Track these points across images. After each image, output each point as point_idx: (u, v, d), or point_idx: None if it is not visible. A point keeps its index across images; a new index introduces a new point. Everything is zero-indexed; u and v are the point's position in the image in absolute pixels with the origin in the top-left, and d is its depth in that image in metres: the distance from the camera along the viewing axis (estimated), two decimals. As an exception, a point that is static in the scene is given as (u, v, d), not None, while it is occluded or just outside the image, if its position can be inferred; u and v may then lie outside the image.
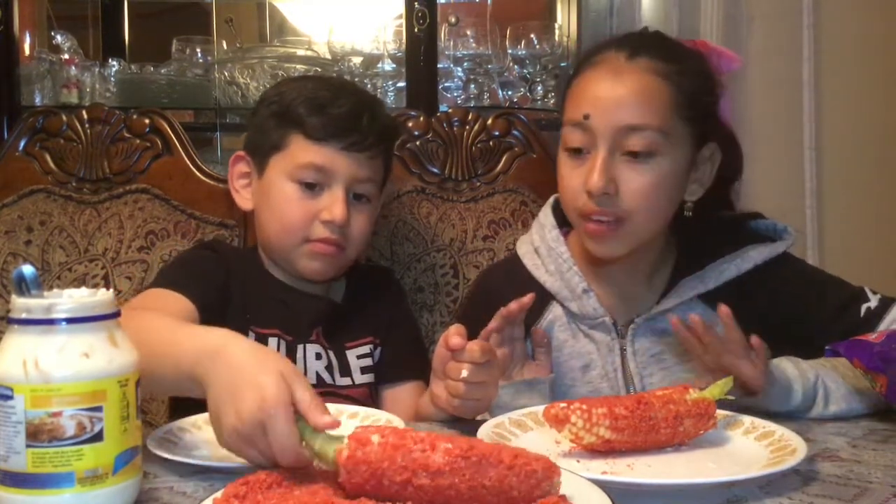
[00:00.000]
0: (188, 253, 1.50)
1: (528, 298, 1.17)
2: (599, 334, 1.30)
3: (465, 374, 1.07)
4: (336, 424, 0.83)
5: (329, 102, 1.35)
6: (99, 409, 0.79)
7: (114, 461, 0.80)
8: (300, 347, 1.37)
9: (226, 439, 0.88)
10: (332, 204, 1.33)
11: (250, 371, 0.87)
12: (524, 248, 1.38)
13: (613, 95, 1.20)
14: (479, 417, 1.24)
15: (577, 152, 1.23)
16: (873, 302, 1.28)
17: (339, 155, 1.34)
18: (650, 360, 1.29)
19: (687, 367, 1.26)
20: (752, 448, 1.00)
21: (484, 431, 1.01)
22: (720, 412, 1.04)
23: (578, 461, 0.96)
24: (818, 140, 2.35)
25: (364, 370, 1.40)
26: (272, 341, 1.35)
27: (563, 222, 1.35)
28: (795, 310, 1.30)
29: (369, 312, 1.43)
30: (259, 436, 0.84)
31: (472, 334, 1.18)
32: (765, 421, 1.05)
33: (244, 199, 1.43)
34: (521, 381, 1.22)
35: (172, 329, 1.02)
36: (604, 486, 0.80)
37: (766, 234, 1.34)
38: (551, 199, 1.39)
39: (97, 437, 0.79)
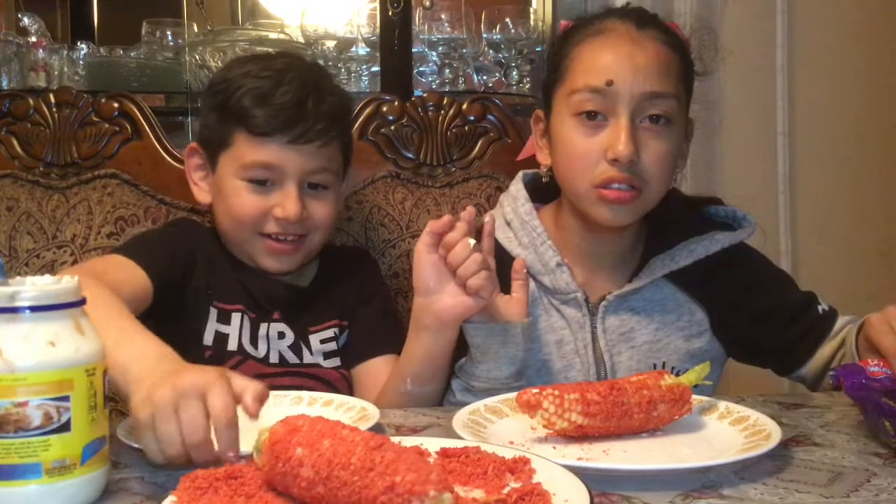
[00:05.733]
0: (154, 230, 1.49)
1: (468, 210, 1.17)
2: (571, 310, 1.30)
3: (473, 241, 1.09)
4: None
5: (271, 91, 1.29)
6: (66, 398, 0.78)
7: (81, 451, 0.79)
8: (263, 325, 1.35)
9: (149, 402, 0.84)
10: (285, 201, 1.29)
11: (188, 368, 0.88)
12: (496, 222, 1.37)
13: (636, 62, 1.20)
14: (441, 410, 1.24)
15: (589, 116, 1.21)
16: (824, 305, 1.34)
17: (286, 150, 1.29)
18: (619, 339, 1.29)
19: (656, 347, 1.29)
20: (726, 433, 1.00)
21: (459, 418, 1.00)
22: (695, 397, 1.04)
23: (554, 447, 0.95)
24: (791, 126, 2.37)
25: (327, 355, 1.38)
26: (236, 316, 1.33)
27: (533, 199, 1.35)
28: (759, 297, 1.33)
29: (336, 295, 1.41)
30: (194, 400, 0.83)
31: None
32: (739, 406, 1.05)
33: (202, 191, 1.39)
34: (495, 325, 1.20)
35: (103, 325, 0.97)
36: (579, 472, 0.80)
37: (726, 219, 1.36)
38: (520, 174, 1.39)
39: (64, 427, 0.78)
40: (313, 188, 1.33)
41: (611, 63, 1.20)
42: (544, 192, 1.36)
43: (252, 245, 1.33)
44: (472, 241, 1.11)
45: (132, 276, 1.22)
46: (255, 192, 1.30)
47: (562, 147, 1.25)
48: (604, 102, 1.20)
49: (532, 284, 1.31)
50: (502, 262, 1.25)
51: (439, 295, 1.16)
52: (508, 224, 1.34)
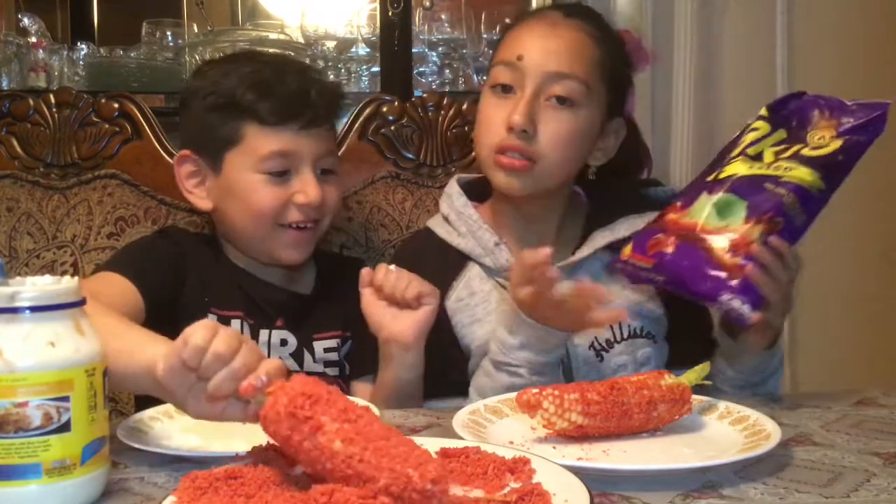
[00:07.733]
0: (140, 241, 1.46)
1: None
2: None
3: (393, 266, 1.23)
4: None
5: (275, 82, 1.31)
6: (66, 398, 0.78)
7: (81, 452, 0.79)
8: (264, 332, 1.35)
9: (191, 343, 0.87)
10: (305, 186, 1.31)
11: None
12: (434, 221, 1.44)
13: (547, 43, 1.30)
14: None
15: (503, 89, 1.30)
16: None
17: (300, 136, 1.31)
18: None
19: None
20: (726, 433, 1.00)
21: (459, 418, 1.00)
22: (695, 397, 1.04)
23: (554, 447, 0.95)
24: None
25: (328, 364, 1.38)
26: (235, 323, 1.33)
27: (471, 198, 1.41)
28: None
29: (340, 305, 1.41)
30: (234, 338, 0.87)
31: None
32: (739, 406, 1.05)
33: (199, 198, 1.37)
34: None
35: (118, 334, 0.97)
36: (579, 472, 0.80)
37: (666, 199, 1.37)
38: (455, 177, 1.46)
39: (64, 427, 0.78)
40: (324, 174, 1.36)
41: (524, 40, 1.31)
42: (480, 195, 1.43)
43: (271, 239, 1.34)
44: (393, 266, 1.24)
45: (124, 293, 1.22)
46: (274, 184, 1.31)
47: (478, 116, 1.35)
48: (514, 76, 1.29)
49: (475, 267, 1.36)
50: (446, 253, 1.36)
51: (392, 322, 1.24)
52: (446, 219, 1.41)
